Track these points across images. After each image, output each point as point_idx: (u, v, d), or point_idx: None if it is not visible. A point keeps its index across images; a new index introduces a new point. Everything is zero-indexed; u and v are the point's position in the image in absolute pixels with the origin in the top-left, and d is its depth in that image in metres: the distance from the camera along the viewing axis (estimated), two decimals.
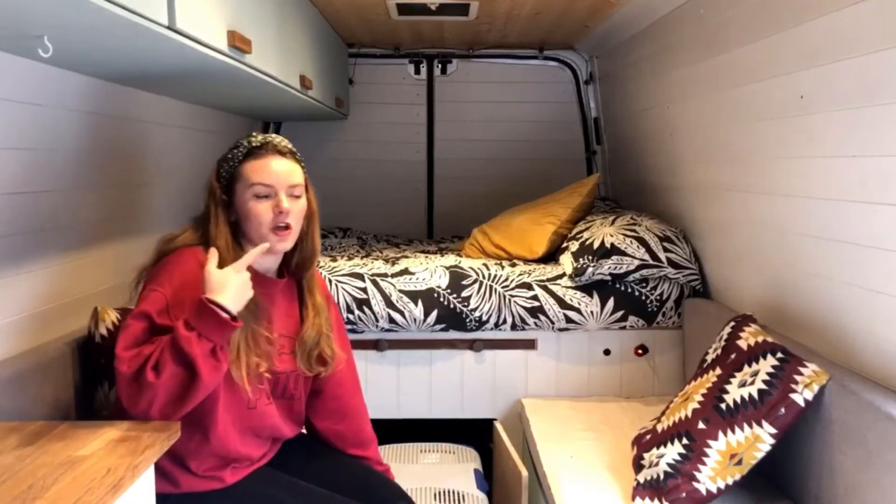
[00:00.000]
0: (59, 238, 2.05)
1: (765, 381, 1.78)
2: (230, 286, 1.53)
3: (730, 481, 1.77)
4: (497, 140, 4.15)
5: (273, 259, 1.78)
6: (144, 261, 1.77)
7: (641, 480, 1.89)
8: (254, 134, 1.78)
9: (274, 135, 1.80)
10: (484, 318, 2.74)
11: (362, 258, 3.17)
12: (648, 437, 2.03)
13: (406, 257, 3.18)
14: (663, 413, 2.08)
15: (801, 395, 1.72)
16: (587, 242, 2.81)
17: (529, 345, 2.83)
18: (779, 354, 1.82)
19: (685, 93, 2.70)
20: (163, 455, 1.52)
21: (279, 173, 1.71)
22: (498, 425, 2.76)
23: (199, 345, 1.47)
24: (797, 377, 1.75)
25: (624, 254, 2.72)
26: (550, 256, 3.15)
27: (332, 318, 1.90)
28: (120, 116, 2.29)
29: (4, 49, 1.64)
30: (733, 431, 1.78)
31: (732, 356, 1.95)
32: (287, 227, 1.71)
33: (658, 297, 2.78)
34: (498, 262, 3.06)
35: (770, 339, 1.89)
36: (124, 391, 1.50)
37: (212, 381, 1.51)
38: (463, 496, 2.34)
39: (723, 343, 2.04)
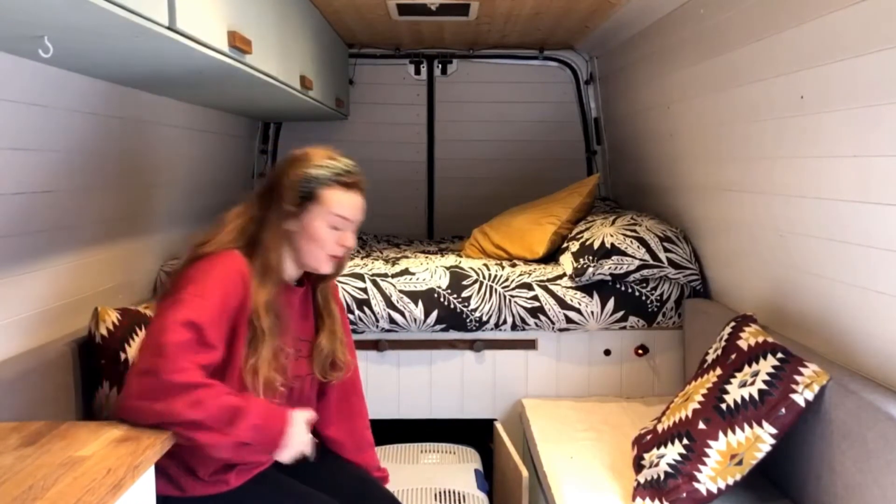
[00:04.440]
0: (60, 238, 2.05)
1: (765, 382, 1.79)
2: (299, 446, 1.58)
3: (730, 481, 1.77)
4: (497, 140, 4.15)
5: (299, 270, 1.79)
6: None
7: (642, 481, 1.89)
8: (338, 157, 1.76)
9: (355, 165, 1.79)
10: (484, 318, 2.75)
11: (362, 258, 3.17)
12: (649, 437, 2.03)
13: (406, 257, 3.18)
14: (664, 413, 2.08)
15: (802, 396, 1.72)
16: (587, 243, 2.81)
17: (530, 345, 2.83)
18: (779, 355, 1.82)
19: (685, 93, 2.70)
20: (169, 459, 1.52)
21: (358, 212, 1.75)
22: (498, 425, 2.76)
23: (242, 437, 1.50)
24: (797, 377, 1.75)
25: (624, 254, 2.72)
26: (551, 257, 3.15)
27: (344, 325, 1.93)
28: (120, 117, 2.29)
29: (5, 49, 1.64)
30: (734, 432, 1.79)
31: (733, 356, 1.95)
32: (341, 256, 1.76)
33: (658, 298, 2.78)
34: (498, 262, 3.06)
35: (770, 340, 1.89)
36: (153, 392, 1.45)
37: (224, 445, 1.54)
38: (463, 496, 2.34)
39: (723, 343, 2.04)
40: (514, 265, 2.99)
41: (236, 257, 1.64)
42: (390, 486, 2.01)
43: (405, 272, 2.81)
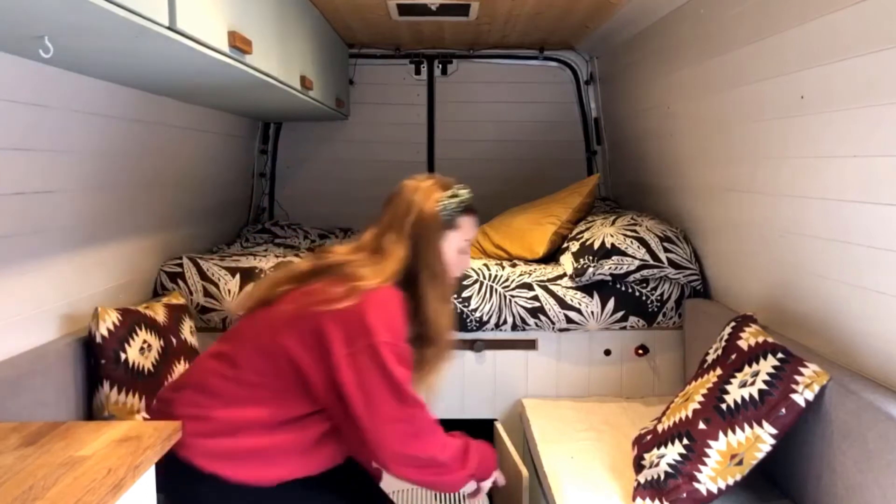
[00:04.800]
0: (60, 238, 2.05)
1: (765, 382, 1.79)
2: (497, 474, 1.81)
3: (730, 481, 1.77)
4: (497, 140, 4.15)
5: None
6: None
7: (642, 481, 1.89)
8: (457, 185, 1.81)
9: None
10: (484, 318, 2.75)
11: None
12: (649, 437, 2.03)
13: None
14: (664, 413, 2.08)
15: (802, 396, 1.72)
16: (587, 243, 2.81)
17: (530, 345, 2.83)
18: (779, 355, 1.82)
19: (686, 93, 2.70)
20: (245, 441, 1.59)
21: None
22: (498, 425, 2.76)
23: (470, 472, 1.71)
24: (798, 377, 1.75)
25: (624, 254, 2.72)
26: (551, 257, 3.15)
27: None
28: (121, 117, 2.29)
29: (6, 50, 1.64)
30: (734, 432, 1.79)
31: (733, 356, 1.95)
32: None
33: (658, 298, 2.78)
34: (498, 262, 3.06)
35: (770, 340, 1.89)
36: (410, 438, 1.59)
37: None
38: (463, 496, 2.33)
39: (723, 343, 2.04)
40: (514, 265, 2.99)
41: (399, 295, 1.66)
42: (391, 486, 2.00)
43: None
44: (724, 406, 1.83)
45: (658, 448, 1.91)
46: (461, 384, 2.83)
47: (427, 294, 1.71)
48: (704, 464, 1.79)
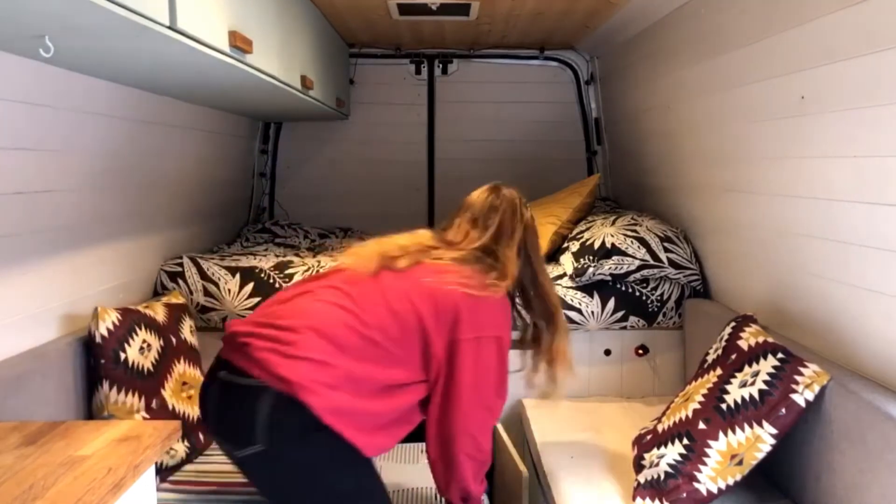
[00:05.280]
0: (60, 238, 2.05)
1: (765, 382, 1.79)
2: None
3: (730, 481, 1.77)
4: (498, 140, 4.15)
5: None
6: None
7: (642, 481, 1.89)
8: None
9: None
10: None
11: None
12: (649, 437, 2.03)
13: None
14: (664, 413, 2.08)
15: (802, 396, 1.72)
16: (588, 243, 2.81)
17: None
18: (779, 355, 1.82)
19: (686, 93, 2.70)
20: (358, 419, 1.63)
21: None
22: (498, 425, 2.75)
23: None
24: (798, 377, 1.75)
25: (624, 254, 2.72)
26: (551, 257, 3.15)
27: None
28: (121, 117, 2.29)
29: (6, 49, 1.64)
30: (734, 432, 1.79)
31: (733, 356, 1.95)
32: None
33: (659, 298, 2.78)
34: None
35: (770, 340, 1.89)
36: (488, 428, 1.81)
37: None
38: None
39: (723, 343, 2.04)
40: None
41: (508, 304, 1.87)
42: (392, 485, 2.01)
43: None
44: (724, 406, 1.83)
45: (658, 448, 1.91)
46: None
47: (544, 282, 1.94)
48: (704, 464, 1.79)
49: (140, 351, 2.08)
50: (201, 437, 2.25)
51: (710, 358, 2.08)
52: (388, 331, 1.66)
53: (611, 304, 2.75)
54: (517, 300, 1.97)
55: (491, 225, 1.86)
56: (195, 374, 2.33)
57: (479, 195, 1.93)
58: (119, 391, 1.99)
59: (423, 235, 1.88)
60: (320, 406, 1.55)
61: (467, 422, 1.72)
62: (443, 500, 1.87)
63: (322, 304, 1.69)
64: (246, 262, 2.86)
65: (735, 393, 1.83)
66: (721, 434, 1.80)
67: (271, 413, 1.53)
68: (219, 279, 2.74)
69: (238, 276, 2.75)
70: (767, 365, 1.81)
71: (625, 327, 2.80)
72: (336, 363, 1.60)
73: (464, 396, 1.71)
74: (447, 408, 1.72)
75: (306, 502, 1.62)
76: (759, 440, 1.75)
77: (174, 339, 2.28)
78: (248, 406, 1.55)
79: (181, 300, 2.50)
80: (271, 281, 2.73)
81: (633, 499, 1.88)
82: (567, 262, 2.85)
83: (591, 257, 2.73)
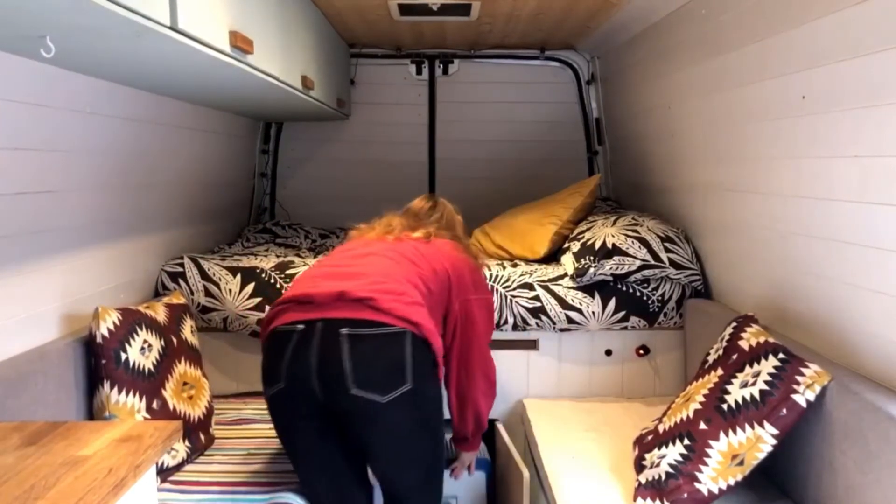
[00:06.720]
0: (60, 238, 2.05)
1: (766, 382, 1.78)
2: None
3: (731, 482, 1.76)
4: (498, 140, 4.15)
5: None
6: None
7: (643, 481, 1.89)
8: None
9: None
10: None
11: None
12: (650, 437, 2.03)
13: None
14: (665, 413, 2.08)
15: (803, 396, 1.72)
16: (589, 243, 2.81)
17: (531, 345, 2.83)
18: (780, 355, 1.82)
19: (687, 93, 2.70)
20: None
21: None
22: (499, 425, 2.76)
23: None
24: (799, 378, 1.75)
25: (625, 254, 2.72)
26: (552, 257, 3.15)
27: None
28: (121, 117, 2.29)
29: (7, 49, 1.64)
30: (735, 432, 1.78)
31: (734, 357, 1.95)
32: None
33: (659, 298, 2.78)
34: (499, 262, 3.06)
35: (771, 340, 1.89)
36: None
37: None
38: (464, 496, 2.33)
39: (724, 343, 2.04)
40: (515, 265, 2.99)
41: None
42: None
43: None
44: (725, 406, 1.83)
45: (659, 448, 1.91)
46: None
47: None
48: (705, 464, 1.79)
49: (141, 351, 2.08)
50: (202, 436, 2.25)
51: (710, 358, 2.07)
52: (433, 285, 2.00)
53: (612, 304, 2.75)
54: None
55: (438, 220, 2.34)
56: (196, 375, 2.33)
57: (418, 202, 2.43)
58: (120, 391, 1.99)
59: (397, 219, 2.28)
60: (437, 346, 1.88)
61: (483, 355, 2.19)
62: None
63: (390, 262, 1.99)
64: (247, 262, 2.86)
65: (736, 393, 1.83)
66: (722, 434, 1.80)
67: (414, 353, 1.79)
68: (220, 279, 2.74)
69: (239, 276, 2.75)
70: (768, 365, 1.81)
71: (626, 327, 2.80)
72: (428, 308, 1.92)
73: (480, 342, 2.16)
74: (467, 353, 2.13)
75: (438, 429, 1.92)
76: (759, 440, 1.75)
77: (175, 340, 2.28)
78: (397, 351, 1.79)
79: (182, 300, 2.50)
80: (272, 281, 2.73)
81: (634, 499, 1.88)
82: (568, 263, 2.85)
83: (591, 257, 2.73)
